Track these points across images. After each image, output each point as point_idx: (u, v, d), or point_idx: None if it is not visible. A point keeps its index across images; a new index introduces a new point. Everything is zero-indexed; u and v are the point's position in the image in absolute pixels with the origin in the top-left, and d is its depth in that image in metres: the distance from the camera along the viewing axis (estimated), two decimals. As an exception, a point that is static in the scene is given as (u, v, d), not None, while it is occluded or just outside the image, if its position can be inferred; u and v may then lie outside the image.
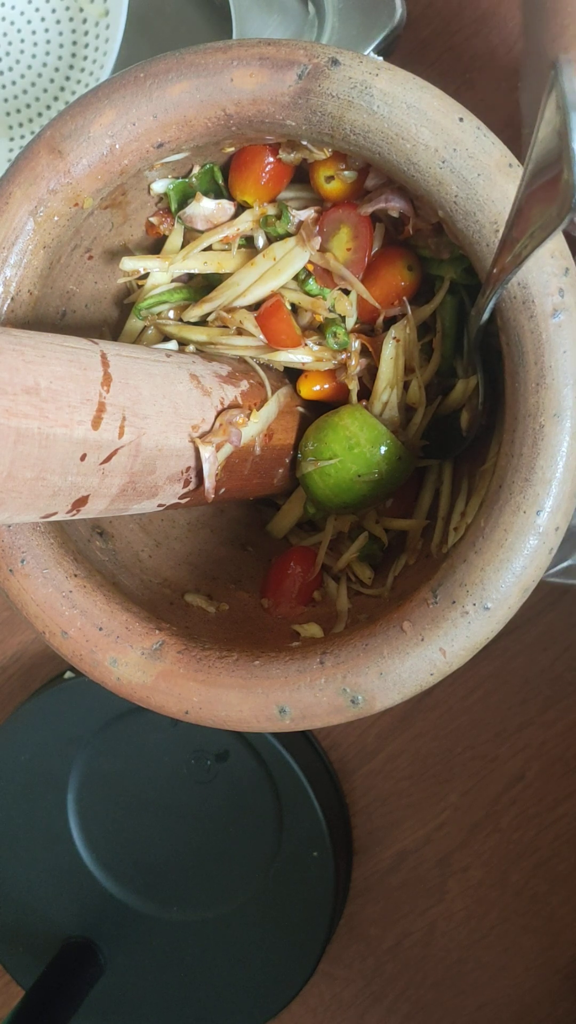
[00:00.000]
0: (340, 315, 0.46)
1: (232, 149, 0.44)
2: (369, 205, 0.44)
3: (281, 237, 0.45)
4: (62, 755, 0.63)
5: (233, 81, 0.39)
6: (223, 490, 0.43)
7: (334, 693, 0.38)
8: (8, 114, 0.64)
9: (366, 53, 0.53)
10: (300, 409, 0.48)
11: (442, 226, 0.43)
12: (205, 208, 0.45)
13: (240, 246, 0.46)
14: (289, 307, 0.45)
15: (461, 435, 0.46)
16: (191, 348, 0.47)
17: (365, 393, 0.47)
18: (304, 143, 0.42)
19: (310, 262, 0.45)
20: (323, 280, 0.45)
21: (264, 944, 0.63)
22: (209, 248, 0.46)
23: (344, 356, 0.46)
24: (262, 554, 0.52)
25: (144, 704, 0.40)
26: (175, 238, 0.47)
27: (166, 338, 0.48)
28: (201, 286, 0.48)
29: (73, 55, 0.63)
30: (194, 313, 0.46)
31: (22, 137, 0.64)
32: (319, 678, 0.39)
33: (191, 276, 0.48)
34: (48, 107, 0.64)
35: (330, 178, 0.44)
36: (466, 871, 0.64)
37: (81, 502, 0.36)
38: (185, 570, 0.49)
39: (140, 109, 0.40)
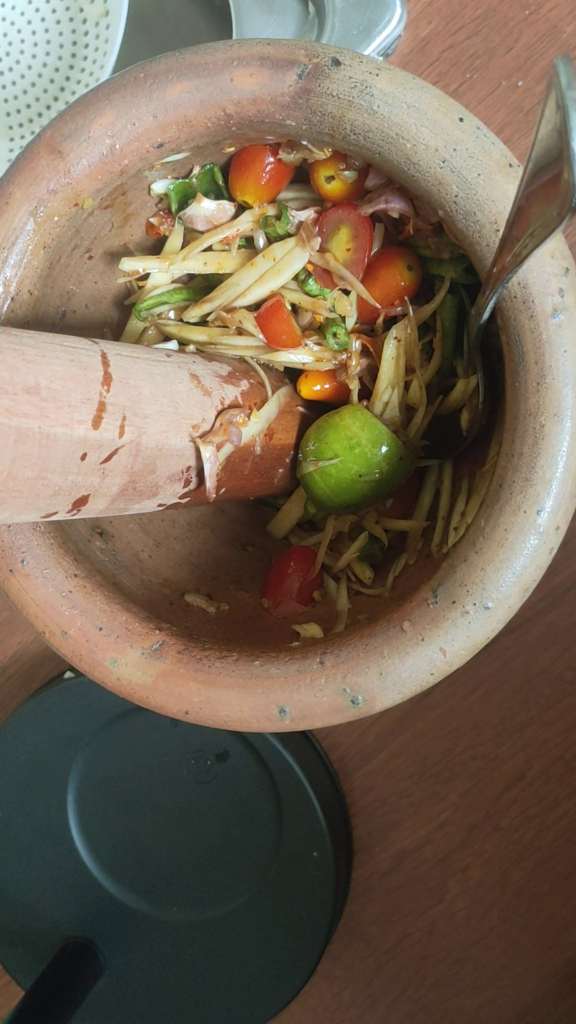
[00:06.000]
0: (340, 315, 0.46)
1: (232, 149, 0.44)
2: (369, 205, 0.44)
3: (281, 237, 0.45)
4: (62, 755, 0.63)
5: (233, 81, 0.39)
6: (224, 490, 0.43)
7: (334, 693, 0.38)
8: (8, 114, 0.64)
9: (366, 53, 0.53)
10: (300, 409, 0.48)
11: (442, 226, 0.43)
12: (205, 209, 0.45)
13: (240, 246, 0.46)
14: (289, 307, 0.45)
15: (461, 435, 0.46)
16: (191, 348, 0.47)
17: (365, 393, 0.47)
18: (304, 143, 0.42)
19: (310, 262, 0.45)
20: (323, 280, 0.45)
21: (264, 944, 0.63)
22: (209, 249, 0.46)
23: (344, 356, 0.46)
24: (262, 554, 0.52)
25: (144, 704, 0.40)
26: (175, 239, 0.47)
27: (167, 338, 0.48)
28: (201, 287, 0.48)
29: (73, 55, 0.63)
30: (194, 313, 0.46)
31: (22, 137, 0.64)
32: (319, 678, 0.39)
33: (191, 277, 0.48)
34: (48, 107, 0.64)
35: (330, 178, 0.44)
36: (466, 871, 0.64)
37: (81, 501, 0.36)
38: (185, 570, 0.49)
39: (140, 109, 0.40)
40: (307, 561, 0.49)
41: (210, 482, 0.41)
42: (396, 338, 0.45)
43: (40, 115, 0.64)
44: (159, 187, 0.45)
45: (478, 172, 0.37)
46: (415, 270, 0.45)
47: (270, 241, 0.46)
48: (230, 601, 0.48)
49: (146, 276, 0.47)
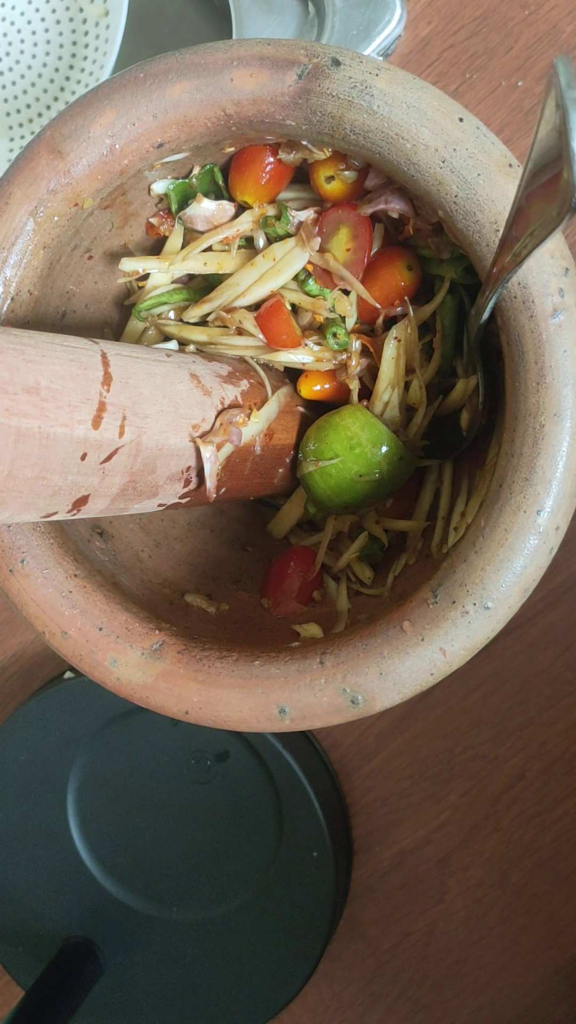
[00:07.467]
0: (340, 315, 0.46)
1: (232, 149, 0.44)
2: (369, 206, 0.44)
3: (281, 238, 0.45)
4: (62, 755, 0.63)
5: (233, 81, 0.39)
6: (224, 490, 0.43)
7: (334, 693, 0.38)
8: (8, 114, 0.64)
9: (366, 53, 0.53)
10: (300, 409, 0.48)
11: (442, 226, 0.43)
12: (205, 209, 0.45)
13: (240, 247, 0.46)
14: (289, 307, 0.45)
15: (461, 435, 0.46)
16: (191, 348, 0.47)
17: (365, 393, 0.47)
18: (304, 143, 0.42)
19: (310, 262, 0.45)
20: (323, 280, 0.45)
21: (264, 944, 0.63)
22: (209, 249, 0.46)
23: (344, 356, 0.46)
24: (262, 554, 0.52)
25: (144, 704, 0.40)
26: (175, 239, 0.47)
27: (167, 338, 0.48)
28: (201, 287, 0.48)
29: (73, 55, 0.63)
30: (194, 313, 0.46)
31: (22, 137, 0.64)
32: (319, 678, 0.39)
33: (191, 277, 0.48)
34: (48, 107, 0.64)
35: (330, 178, 0.44)
36: (466, 871, 0.64)
37: (81, 501, 0.36)
38: (185, 570, 0.49)
39: (140, 109, 0.40)
40: (307, 561, 0.49)
41: (210, 482, 0.41)
42: (396, 338, 0.45)
43: (40, 115, 0.64)
44: (159, 187, 0.45)
45: (478, 172, 0.37)
46: (415, 270, 0.45)
47: (270, 241, 0.46)
48: (230, 601, 0.48)
49: (146, 276, 0.47)
